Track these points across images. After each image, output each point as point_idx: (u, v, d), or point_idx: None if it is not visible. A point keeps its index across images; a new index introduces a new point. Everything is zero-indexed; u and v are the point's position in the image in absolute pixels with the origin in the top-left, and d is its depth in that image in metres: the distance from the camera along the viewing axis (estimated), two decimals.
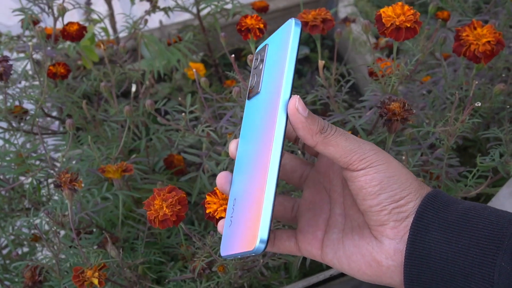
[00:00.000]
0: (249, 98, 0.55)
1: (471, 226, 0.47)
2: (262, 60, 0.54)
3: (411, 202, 0.50)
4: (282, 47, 0.51)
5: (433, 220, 0.49)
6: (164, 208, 0.69)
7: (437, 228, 0.48)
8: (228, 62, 1.59)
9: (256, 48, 0.56)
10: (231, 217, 0.52)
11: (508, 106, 0.93)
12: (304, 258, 0.89)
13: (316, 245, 0.55)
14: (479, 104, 0.72)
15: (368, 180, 0.50)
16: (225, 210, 0.67)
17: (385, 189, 0.50)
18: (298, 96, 0.48)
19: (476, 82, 0.77)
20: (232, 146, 0.55)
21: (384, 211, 0.50)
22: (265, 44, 0.55)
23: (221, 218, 0.65)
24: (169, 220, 0.69)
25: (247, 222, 0.49)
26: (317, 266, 0.97)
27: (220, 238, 0.81)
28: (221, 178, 0.55)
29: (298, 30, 0.50)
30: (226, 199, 0.68)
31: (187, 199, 0.72)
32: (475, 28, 0.78)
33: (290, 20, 0.51)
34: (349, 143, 0.50)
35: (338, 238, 0.54)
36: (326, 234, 0.55)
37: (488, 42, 0.77)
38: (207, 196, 0.69)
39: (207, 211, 0.70)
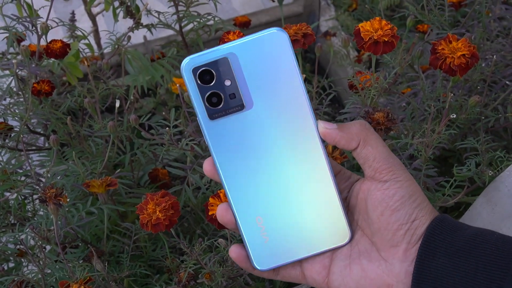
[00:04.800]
0: (215, 117, 0.51)
1: (478, 251, 0.48)
2: (226, 75, 0.49)
3: (424, 224, 0.50)
4: (276, 59, 0.49)
5: (440, 245, 0.49)
6: (157, 212, 0.70)
7: (444, 254, 0.49)
8: None
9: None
10: (263, 233, 0.53)
11: (483, 117, 0.95)
12: None
13: (323, 273, 0.54)
14: (454, 116, 0.75)
15: (391, 194, 0.50)
16: None
17: (404, 206, 0.50)
18: (320, 120, 0.51)
19: (452, 94, 0.79)
20: (208, 165, 0.53)
21: (400, 231, 0.50)
22: (223, 57, 0.49)
23: None
24: (162, 224, 0.70)
25: (313, 225, 0.53)
26: None
27: (209, 246, 0.81)
28: (222, 211, 0.54)
29: (288, 38, 0.49)
30: None
31: (179, 204, 0.73)
32: (450, 42, 0.80)
33: (272, 30, 0.48)
34: (385, 149, 0.52)
35: (346, 265, 0.53)
36: (333, 261, 0.54)
37: (463, 55, 0.78)
38: (210, 199, 0.70)
39: (210, 213, 0.71)
